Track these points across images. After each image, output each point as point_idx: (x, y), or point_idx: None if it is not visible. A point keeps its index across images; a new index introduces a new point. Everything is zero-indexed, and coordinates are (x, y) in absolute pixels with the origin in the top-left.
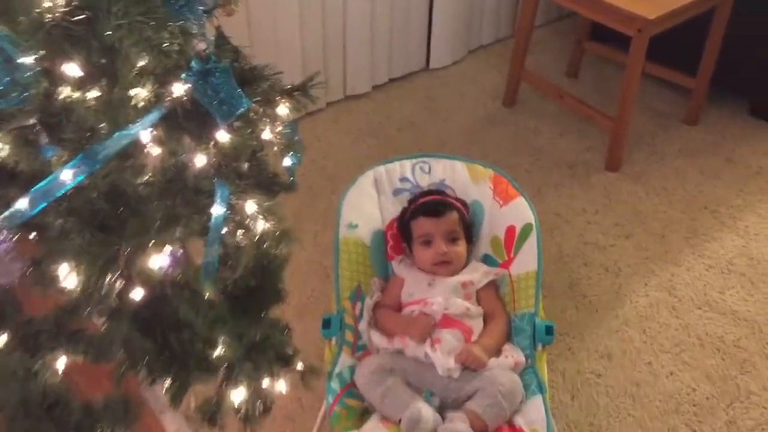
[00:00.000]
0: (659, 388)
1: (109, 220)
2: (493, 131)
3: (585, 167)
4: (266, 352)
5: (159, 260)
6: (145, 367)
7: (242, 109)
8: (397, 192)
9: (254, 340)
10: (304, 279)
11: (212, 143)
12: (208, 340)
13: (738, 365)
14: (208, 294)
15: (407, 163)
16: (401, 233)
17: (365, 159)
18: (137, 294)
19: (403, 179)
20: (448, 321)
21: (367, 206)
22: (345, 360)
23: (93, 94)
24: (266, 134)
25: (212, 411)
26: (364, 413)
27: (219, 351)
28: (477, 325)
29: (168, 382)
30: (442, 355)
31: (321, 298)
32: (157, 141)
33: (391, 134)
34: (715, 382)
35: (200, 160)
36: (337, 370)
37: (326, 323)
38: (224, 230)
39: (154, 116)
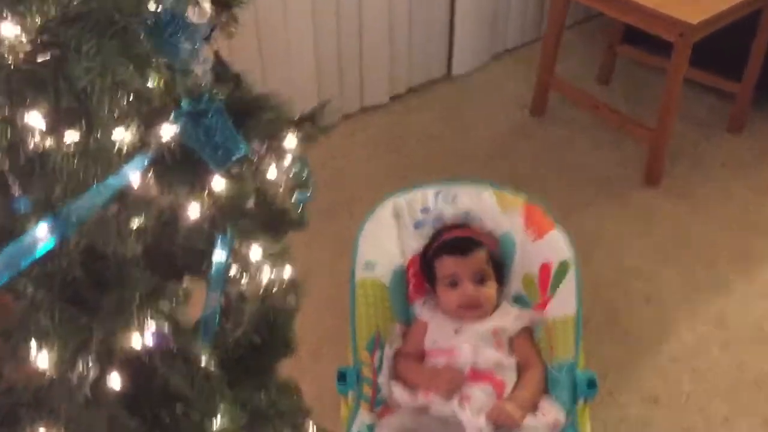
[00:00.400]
0: None
1: (84, 290)
2: (521, 144)
3: (621, 183)
4: (272, 419)
5: (140, 340)
6: None
7: (239, 155)
8: (418, 225)
9: (259, 408)
10: (319, 315)
11: (206, 192)
12: (206, 413)
13: None
14: (205, 360)
15: (429, 192)
16: (424, 273)
17: (384, 176)
18: (115, 382)
19: (425, 210)
20: (477, 375)
21: (386, 242)
22: (363, 417)
23: (70, 138)
24: (272, 173)
25: None
26: None
27: (219, 423)
28: (510, 377)
29: None
30: (473, 415)
31: (338, 335)
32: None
33: (411, 148)
34: None
35: (194, 210)
36: (354, 430)
37: (342, 377)
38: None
39: (138, 163)
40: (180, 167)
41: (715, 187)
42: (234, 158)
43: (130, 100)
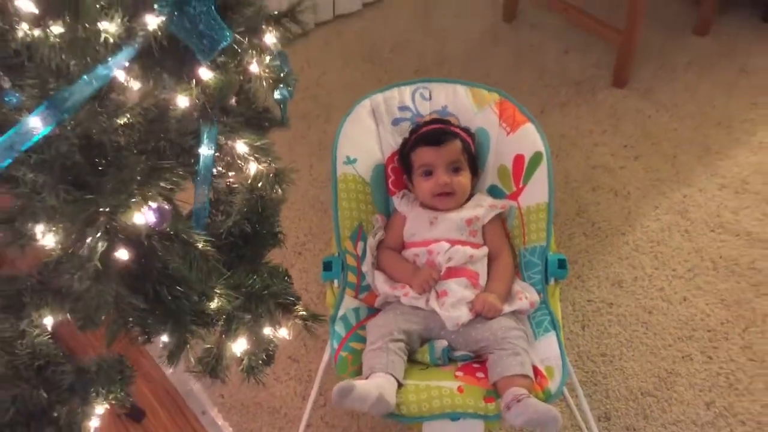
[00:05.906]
0: (672, 314)
1: (85, 174)
2: (494, 49)
3: (591, 84)
4: (266, 301)
5: (143, 217)
6: (137, 325)
7: (225, 43)
8: (396, 122)
9: (253, 289)
10: (301, 214)
11: (194, 82)
12: (204, 293)
13: (753, 288)
14: (200, 245)
15: (406, 90)
16: (402, 166)
17: (359, 84)
18: (122, 254)
19: (403, 108)
20: (452, 272)
21: (365, 139)
22: (348, 302)
23: (56, 30)
24: (254, 67)
25: (213, 364)
26: None
27: (216, 303)
28: (482, 267)
29: (164, 338)
30: (451, 307)
31: (319, 234)
32: (134, 80)
33: (385, 56)
34: (730, 306)
35: (182, 101)
36: (340, 313)
37: (327, 266)
38: (214, 172)
39: (125, 54)
40: (167, 58)
41: (680, 87)
42: (220, 46)
43: None
